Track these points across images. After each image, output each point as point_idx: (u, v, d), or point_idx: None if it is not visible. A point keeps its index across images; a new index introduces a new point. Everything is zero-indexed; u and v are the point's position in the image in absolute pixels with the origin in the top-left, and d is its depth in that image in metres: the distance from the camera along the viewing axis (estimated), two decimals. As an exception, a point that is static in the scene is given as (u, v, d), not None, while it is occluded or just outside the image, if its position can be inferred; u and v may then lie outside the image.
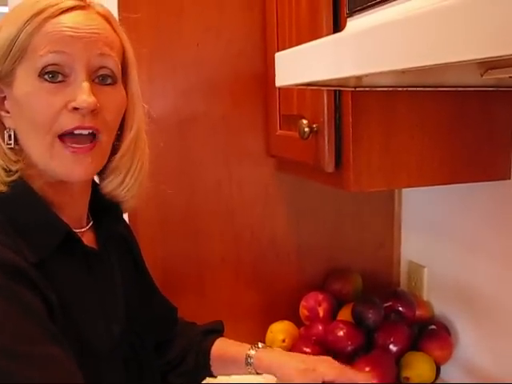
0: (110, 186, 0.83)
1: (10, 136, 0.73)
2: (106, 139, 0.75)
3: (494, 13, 0.36)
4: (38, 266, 0.68)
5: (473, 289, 1.20)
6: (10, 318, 0.61)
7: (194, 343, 1.02)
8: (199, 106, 1.32)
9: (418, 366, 1.20)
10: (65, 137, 0.71)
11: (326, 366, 0.90)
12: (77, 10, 0.73)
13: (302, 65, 0.72)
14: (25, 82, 0.71)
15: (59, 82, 0.70)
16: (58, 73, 0.70)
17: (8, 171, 0.72)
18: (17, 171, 0.72)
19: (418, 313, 1.31)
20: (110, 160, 0.80)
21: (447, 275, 1.29)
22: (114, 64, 0.75)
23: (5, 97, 0.73)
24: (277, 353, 0.99)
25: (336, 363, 0.92)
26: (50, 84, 0.70)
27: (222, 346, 1.01)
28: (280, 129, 1.23)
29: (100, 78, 0.74)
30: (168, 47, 1.28)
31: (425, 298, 1.38)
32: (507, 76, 0.64)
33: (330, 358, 0.93)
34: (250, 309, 1.41)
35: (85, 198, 0.82)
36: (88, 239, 0.82)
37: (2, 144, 0.73)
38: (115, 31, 0.77)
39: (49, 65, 0.70)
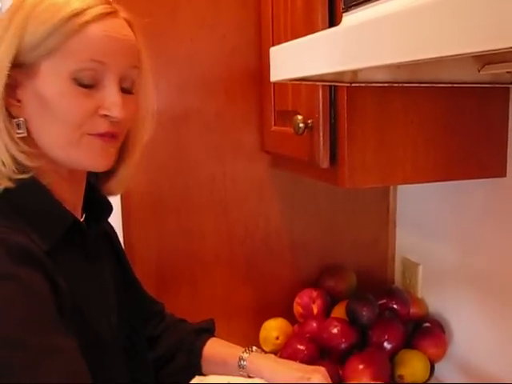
0: (106, 183, 0.86)
1: (18, 125, 0.72)
2: (120, 140, 0.78)
3: (489, 5, 0.36)
4: (48, 253, 0.69)
5: (468, 286, 1.20)
6: (17, 305, 0.61)
7: (185, 342, 1.01)
8: (193, 102, 1.31)
9: (412, 364, 1.19)
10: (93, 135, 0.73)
11: (320, 378, 0.89)
12: (113, 17, 0.73)
13: (296, 59, 0.72)
14: (54, 80, 0.70)
15: (91, 86, 0.71)
16: (92, 78, 0.71)
17: (19, 165, 0.71)
18: (30, 170, 0.72)
19: (412, 310, 1.30)
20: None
21: (442, 273, 1.29)
22: (137, 74, 0.78)
23: (17, 85, 0.72)
24: (270, 358, 0.99)
25: (328, 377, 0.91)
26: (83, 88, 0.71)
27: (214, 347, 1.00)
28: (274, 125, 1.23)
29: (125, 87, 0.75)
30: (161, 42, 1.27)
31: (419, 296, 1.38)
32: (504, 71, 0.63)
33: (323, 369, 0.93)
34: (244, 305, 1.41)
35: (82, 191, 0.83)
36: None
37: (13, 133, 0.72)
38: (136, 38, 0.78)
39: (86, 70, 0.70)
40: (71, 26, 0.69)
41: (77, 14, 0.69)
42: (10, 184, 0.71)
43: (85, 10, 0.70)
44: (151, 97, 0.84)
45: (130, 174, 0.86)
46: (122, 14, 0.76)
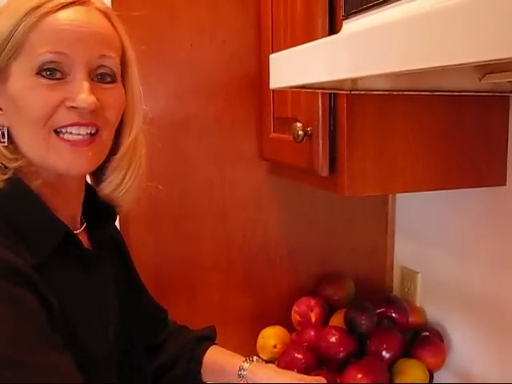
0: (109, 187, 0.81)
1: (3, 134, 0.71)
2: (106, 136, 0.74)
3: (493, 15, 0.36)
4: (38, 267, 0.66)
5: (466, 295, 1.19)
6: (8, 323, 0.59)
7: (186, 349, 1.00)
8: (192, 108, 1.30)
9: (411, 374, 1.18)
10: (61, 133, 0.70)
11: None
12: (76, 6, 0.70)
13: (296, 67, 0.71)
14: (21, 79, 0.69)
15: (57, 79, 0.69)
16: (57, 70, 0.69)
17: (3, 168, 0.70)
18: (11, 169, 0.70)
19: (410, 319, 1.30)
20: (109, 160, 0.79)
21: (440, 281, 1.28)
22: (113, 64, 0.74)
23: None
24: (271, 368, 0.98)
25: None
26: (48, 80, 0.68)
27: (214, 355, 1.00)
28: (273, 132, 1.22)
29: (99, 77, 0.73)
30: (161, 47, 1.27)
31: (418, 304, 1.37)
32: (506, 80, 0.63)
33: (323, 379, 0.92)
34: (242, 313, 1.40)
35: (79, 199, 0.81)
36: (82, 241, 0.81)
37: None
38: (115, 28, 0.75)
39: (47, 62, 0.68)
40: (29, 20, 0.67)
41: (36, 8, 0.68)
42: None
43: (44, 2, 0.68)
44: (137, 87, 0.81)
45: (135, 178, 0.82)
46: (95, 4, 0.73)
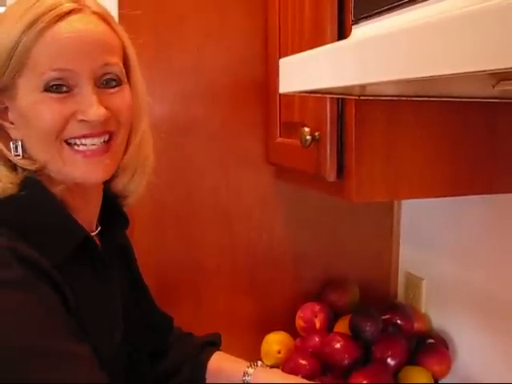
0: (120, 183, 0.83)
1: (16, 147, 0.72)
2: (121, 137, 0.75)
3: (506, 22, 0.35)
4: (57, 268, 0.68)
5: (472, 302, 1.19)
6: (33, 312, 0.61)
7: (190, 355, 1.00)
8: (198, 112, 1.30)
9: (416, 381, 1.17)
10: (75, 144, 0.71)
11: None
12: (73, 15, 0.70)
13: (306, 72, 0.71)
14: (29, 95, 0.69)
15: (65, 92, 0.69)
16: (63, 85, 0.69)
17: (15, 170, 0.71)
18: (24, 169, 0.71)
19: (415, 326, 1.29)
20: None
21: (445, 288, 1.27)
22: (117, 69, 0.74)
23: (7, 108, 0.72)
24: (275, 373, 0.98)
25: None
26: (57, 94, 0.69)
27: (219, 361, 0.99)
28: (280, 136, 1.22)
29: (104, 83, 0.73)
30: (168, 51, 1.26)
31: (423, 311, 1.36)
32: (519, 87, 0.62)
33: None
34: (246, 318, 1.39)
35: (98, 202, 0.82)
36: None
37: (10, 156, 0.72)
38: (114, 30, 0.75)
39: (52, 80, 0.68)
40: (29, 37, 0.67)
41: (34, 22, 0.67)
42: (16, 188, 0.70)
43: (41, 15, 0.68)
44: (141, 84, 0.81)
45: (144, 173, 0.84)
46: (92, 7, 0.72)
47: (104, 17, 0.74)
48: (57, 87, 0.69)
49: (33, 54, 0.67)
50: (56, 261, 0.68)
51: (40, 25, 0.67)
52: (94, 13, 0.73)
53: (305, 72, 0.71)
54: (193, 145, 1.30)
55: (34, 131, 0.70)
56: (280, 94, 1.14)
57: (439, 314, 1.32)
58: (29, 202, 0.70)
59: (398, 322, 1.27)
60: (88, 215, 0.79)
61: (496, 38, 0.36)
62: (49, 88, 0.68)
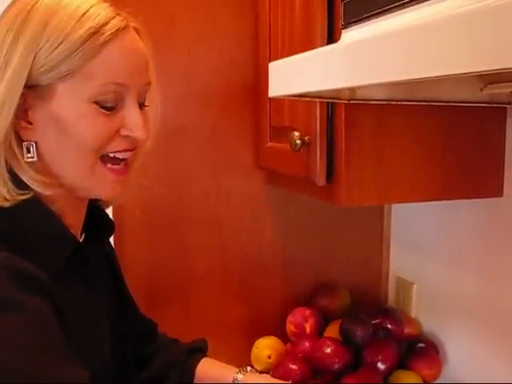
0: None
1: (28, 149, 0.68)
2: (133, 160, 0.76)
3: (495, 24, 0.35)
4: (52, 279, 0.66)
5: (462, 306, 1.19)
6: (21, 334, 0.58)
7: (177, 361, 0.99)
8: (188, 116, 1.30)
9: (407, 386, 1.18)
10: (108, 160, 0.71)
11: None
12: (127, 32, 0.70)
13: (295, 75, 0.71)
14: (73, 103, 0.67)
15: (112, 107, 0.69)
16: (114, 100, 0.69)
17: (20, 184, 0.67)
18: (31, 190, 0.68)
19: (406, 330, 1.29)
20: None
21: (436, 292, 1.28)
22: (149, 89, 0.76)
23: (28, 107, 0.68)
24: (265, 378, 0.97)
25: None
26: (105, 110, 0.68)
27: (207, 367, 0.98)
28: (270, 141, 1.22)
29: (141, 101, 0.74)
30: (158, 55, 1.25)
31: (413, 315, 1.36)
32: (508, 91, 0.63)
33: None
34: (236, 323, 1.38)
35: (84, 210, 0.80)
36: None
37: (20, 158, 0.68)
38: (146, 46, 0.75)
39: (108, 93, 0.68)
40: (89, 47, 0.65)
41: (94, 33, 0.66)
42: (8, 203, 0.67)
43: (101, 26, 0.66)
44: (158, 106, 0.82)
45: (133, 179, 0.82)
46: (131, 23, 0.72)
47: (139, 31, 0.74)
48: (107, 101, 0.68)
49: (92, 64, 0.66)
50: (52, 271, 0.66)
51: (101, 39, 0.66)
52: (134, 29, 0.73)
53: (294, 76, 0.71)
54: (183, 149, 1.30)
55: (69, 142, 0.68)
56: (270, 99, 1.14)
57: (429, 318, 1.32)
58: (21, 212, 0.68)
59: (389, 326, 1.27)
60: (76, 222, 0.78)
61: (486, 40, 0.36)
62: (101, 100, 0.67)
